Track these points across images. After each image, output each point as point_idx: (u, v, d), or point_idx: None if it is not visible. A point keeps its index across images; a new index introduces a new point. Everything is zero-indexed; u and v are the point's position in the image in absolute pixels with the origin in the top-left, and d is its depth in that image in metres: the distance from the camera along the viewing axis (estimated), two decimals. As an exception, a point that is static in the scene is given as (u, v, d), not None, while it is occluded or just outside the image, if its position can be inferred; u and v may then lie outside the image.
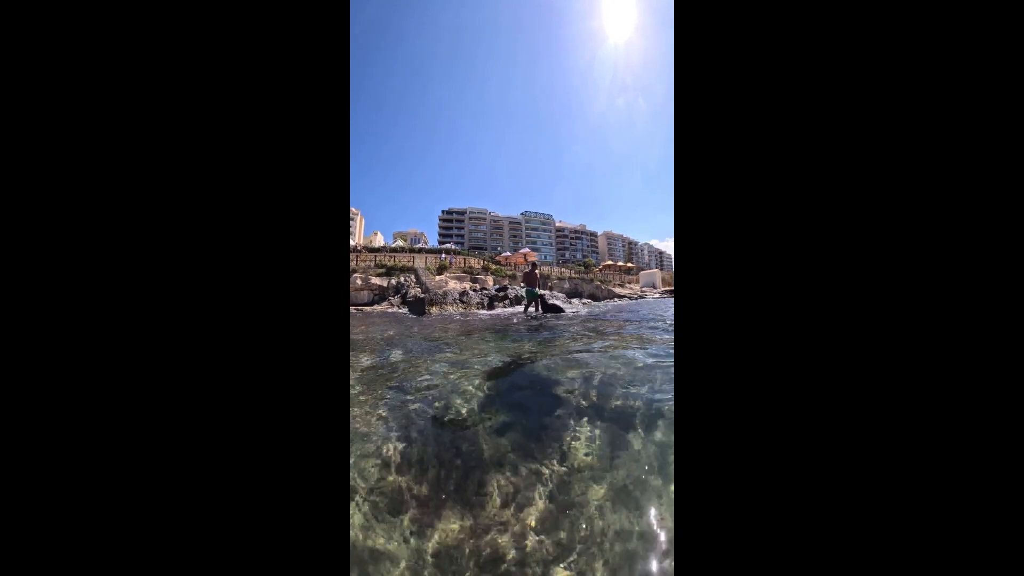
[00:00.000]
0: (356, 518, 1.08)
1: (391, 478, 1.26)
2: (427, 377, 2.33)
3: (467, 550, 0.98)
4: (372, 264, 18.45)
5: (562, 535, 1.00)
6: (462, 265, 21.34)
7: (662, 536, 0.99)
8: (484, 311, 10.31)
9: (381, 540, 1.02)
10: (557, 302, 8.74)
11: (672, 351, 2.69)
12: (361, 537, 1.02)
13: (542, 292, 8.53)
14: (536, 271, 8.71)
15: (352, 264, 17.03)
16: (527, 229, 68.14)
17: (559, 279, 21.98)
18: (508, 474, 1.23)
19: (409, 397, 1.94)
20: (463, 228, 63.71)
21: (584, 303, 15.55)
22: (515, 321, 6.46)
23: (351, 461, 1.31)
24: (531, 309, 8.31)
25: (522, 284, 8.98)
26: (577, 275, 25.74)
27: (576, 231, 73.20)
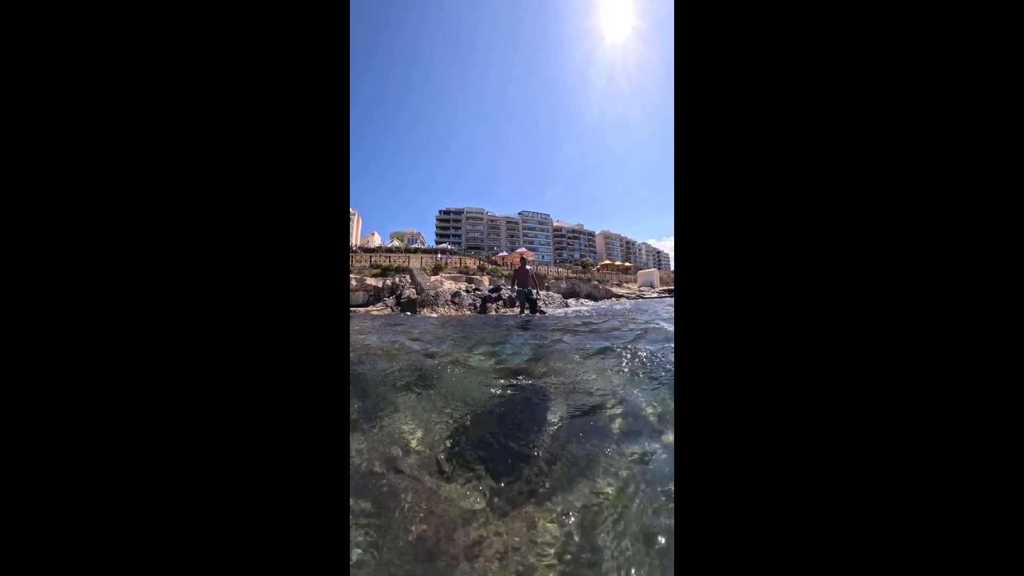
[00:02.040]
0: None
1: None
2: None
3: None
4: (368, 264, 18.32)
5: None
6: (458, 265, 21.23)
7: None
8: (473, 314, 10.07)
9: None
10: (540, 303, 8.52)
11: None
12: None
13: (531, 289, 8.09)
14: (529, 267, 8.12)
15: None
16: (524, 229, 68.16)
17: (556, 279, 21.89)
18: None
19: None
20: (460, 228, 63.66)
21: (580, 303, 15.43)
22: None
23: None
24: (527, 311, 7.88)
25: (514, 284, 8.54)
26: (575, 275, 25.67)
27: (573, 231, 73.28)
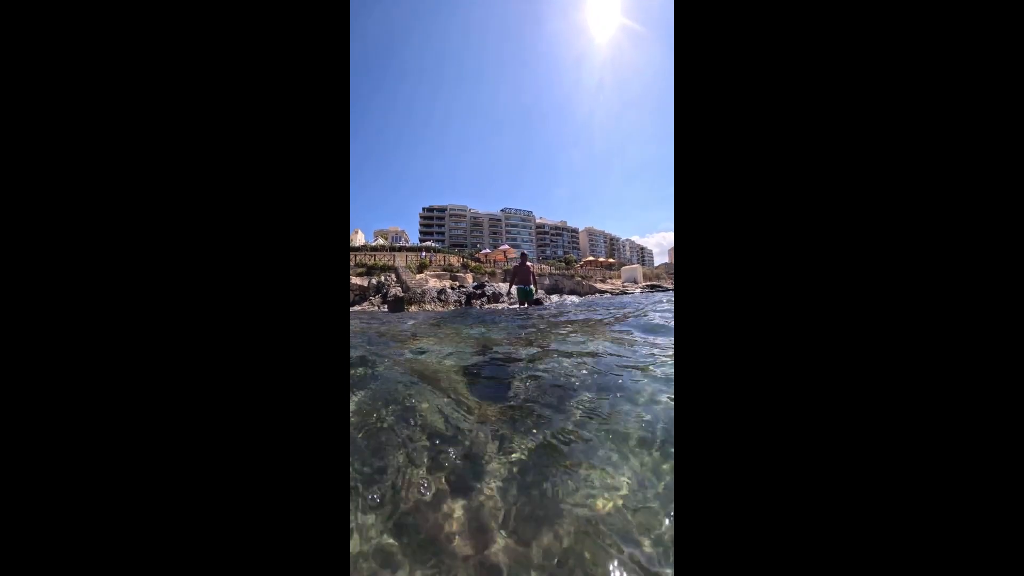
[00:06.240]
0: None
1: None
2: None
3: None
4: (353, 263, 18.16)
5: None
6: (442, 263, 21.26)
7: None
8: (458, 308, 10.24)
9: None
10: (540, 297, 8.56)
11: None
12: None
13: (531, 288, 7.75)
14: (529, 264, 7.79)
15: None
16: (507, 226, 68.03)
17: (539, 275, 22.09)
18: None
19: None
20: (443, 225, 63.24)
21: (564, 298, 15.67)
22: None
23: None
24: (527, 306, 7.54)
25: (508, 280, 7.98)
26: (558, 271, 25.92)
27: (557, 227, 73.47)
